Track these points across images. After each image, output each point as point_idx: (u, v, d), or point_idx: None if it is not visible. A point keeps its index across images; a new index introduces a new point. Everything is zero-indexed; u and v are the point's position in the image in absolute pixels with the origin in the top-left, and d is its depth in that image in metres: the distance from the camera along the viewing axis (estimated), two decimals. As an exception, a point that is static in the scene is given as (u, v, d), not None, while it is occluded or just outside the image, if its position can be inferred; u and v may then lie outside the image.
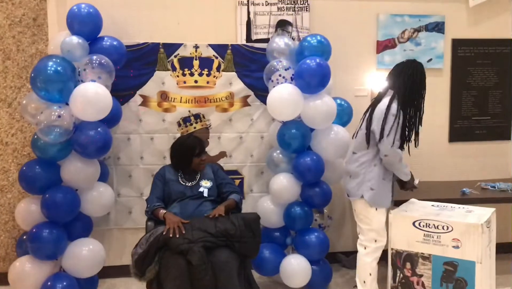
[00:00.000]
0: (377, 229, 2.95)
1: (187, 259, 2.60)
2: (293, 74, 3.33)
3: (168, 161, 3.32)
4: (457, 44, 4.00)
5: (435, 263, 2.74)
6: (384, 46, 3.92)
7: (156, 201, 3.02)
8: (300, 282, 3.32)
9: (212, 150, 3.76)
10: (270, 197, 3.49)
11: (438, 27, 3.96)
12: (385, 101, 2.87)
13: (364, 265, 2.98)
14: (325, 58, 3.36)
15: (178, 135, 3.65)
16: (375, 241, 2.95)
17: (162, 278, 2.68)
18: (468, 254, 2.65)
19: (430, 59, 3.97)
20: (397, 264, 2.85)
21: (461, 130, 4.10)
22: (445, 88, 4.06)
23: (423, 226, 2.77)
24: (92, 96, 3.00)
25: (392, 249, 2.85)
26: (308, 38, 3.40)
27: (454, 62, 4.03)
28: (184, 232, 2.75)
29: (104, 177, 3.47)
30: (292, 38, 3.71)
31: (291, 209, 3.38)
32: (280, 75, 3.33)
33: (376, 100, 2.96)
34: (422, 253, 2.77)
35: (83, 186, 3.21)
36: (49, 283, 3.08)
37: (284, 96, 3.24)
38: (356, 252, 3.08)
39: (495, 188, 3.68)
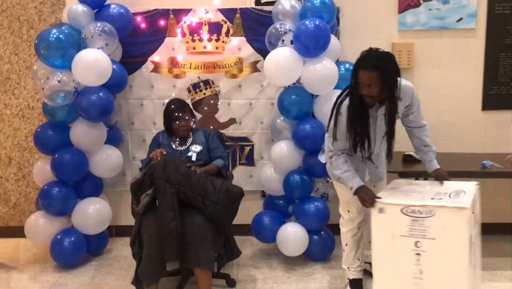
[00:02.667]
0: (343, 201, 2.81)
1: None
2: (293, 37, 3.20)
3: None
4: (493, 0, 3.57)
5: None
6: (406, 5, 3.60)
7: None
8: (295, 250, 3.27)
9: (221, 116, 3.76)
10: (272, 164, 3.44)
11: (471, -18, 3.55)
12: None
13: (341, 235, 2.88)
14: (327, 20, 3.18)
15: (189, 101, 3.70)
16: (348, 211, 2.81)
17: (142, 237, 2.78)
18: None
19: (460, 19, 3.58)
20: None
21: (497, 97, 3.69)
22: (479, 51, 3.65)
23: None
24: (91, 61, 3.13)
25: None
26: (312, -2, 3.24)
27: (490, 21, 3.59)
28: (165, 152, 2.86)
29: (115, 141, 3.63)
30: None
31: (290, 177, 3.31)
32: (279, 39, 3.21)
33: None
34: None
35: (89, 148, 3.38)
36: (58, 237, 3.34)
37: (280, 60, 3.13)
38: None
39: (527, 161, 3.30)
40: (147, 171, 2.81)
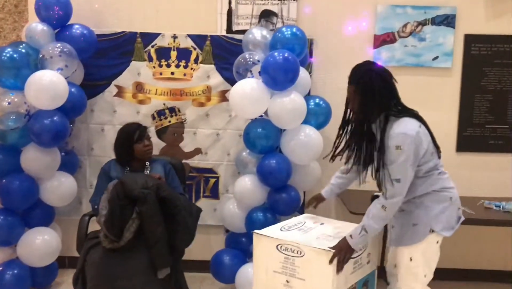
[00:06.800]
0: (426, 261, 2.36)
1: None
2: (262, 69, 3.06)
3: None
4: (470, 40, 3.48)
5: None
6: (382, 40, 3.51)
7: None
8: (254, 294, 3.06)
9: (186, 146, 3.58)
10: (235, 199, 3.26)
11: (447, 21, 3.47)
12: None
13: None
14: (298, 52, 3.06)
15: (153, 129, 3.53)
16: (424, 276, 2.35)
17: (86, 276, 2.56)
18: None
19: (436, 57, 3.50)
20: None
21: (472, 139, 3.58)
22: (454, 90, 3.56)
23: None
24: (46, 84, 2.94)
25: None
26: (283, 29, 3.11)
27: (466, 61, 3.51)
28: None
29: (71, 168, 3.42)
30: (277, 30, 3.43)
31: (253, 214, 3.13)
32: (247, 69, 3.08)
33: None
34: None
35: (41, 175, 3.16)
36: (0, 269, 3.09)
37: (247, 92, 2.98)
38: None
39: (499, 208, 3.16)
40: (113, 197, 2.48)
